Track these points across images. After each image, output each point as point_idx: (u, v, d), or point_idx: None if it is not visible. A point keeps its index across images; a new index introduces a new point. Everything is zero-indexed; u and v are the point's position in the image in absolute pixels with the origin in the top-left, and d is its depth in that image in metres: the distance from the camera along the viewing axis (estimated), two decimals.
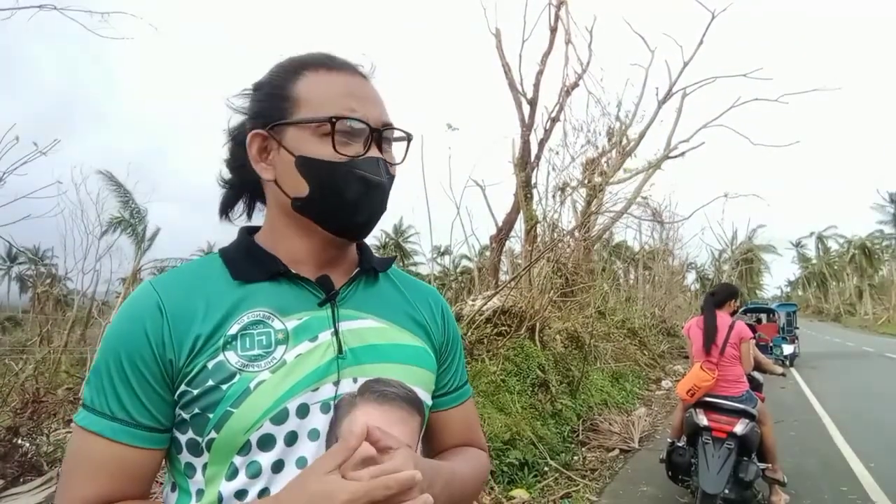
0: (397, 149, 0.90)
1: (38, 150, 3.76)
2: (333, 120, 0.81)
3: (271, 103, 0.85)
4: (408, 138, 0.90)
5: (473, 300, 7.59)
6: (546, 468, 5.13)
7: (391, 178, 0.86)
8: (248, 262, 0.85)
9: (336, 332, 0.83)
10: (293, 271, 0.85)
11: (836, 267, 68.65)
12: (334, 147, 0.81)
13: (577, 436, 6.34)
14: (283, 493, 0.71)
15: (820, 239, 70.37)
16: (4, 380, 4.10)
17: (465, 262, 31.16)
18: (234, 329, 0.79)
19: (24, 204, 3.87)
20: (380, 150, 0.84)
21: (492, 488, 4.44)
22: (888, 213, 56.33)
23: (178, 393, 0.77)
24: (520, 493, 4.55)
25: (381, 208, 0.86)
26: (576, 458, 5.75)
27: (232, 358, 0.77)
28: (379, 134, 0.84)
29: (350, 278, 0.89)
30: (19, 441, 3.40)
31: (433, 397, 0.94)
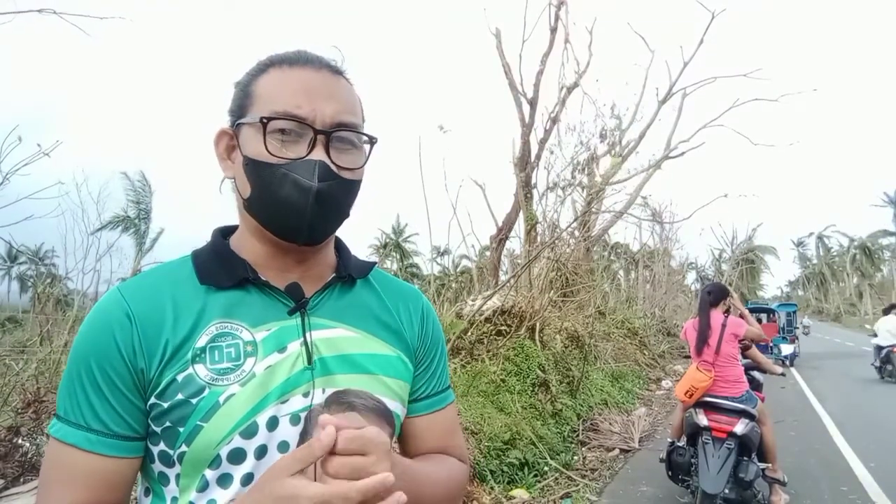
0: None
1: (42, 151, 3.73)
2: (264, 120, 0.77)
3: (238, 101, 0.83)
4: (370, 140, 0.83)
5: (473, 300, 7.59)
6: (546, 468, 5.13)
7: (339, 181, 0.79)
8: (216, 266, 0.82)
9: (305, 343, 0.80)
10: (262, 278, 0.82)
11: (836, 267, 68.62)
12: (266, 148, 0.77)
13: (577, 436, 6.34)
14: (245, 496, 0.70)
15: (820, 239, 70.37)
16: (5, 380, 4.09)
17: (465, 263, 31.21)
18: (202, 341, 0.77)
19: (25, 204, 3.86)
20: (327, 150, 0.78)
21: (492, 488, 4.44)
22: (890, 213, 56.35)
23: (149, 404, 0.76)
24: (520, 492, 4.56)
25: (327, 213, 0.80)
26: (576, 457, 5.74)
27: (201, 371, 0.76)
28: (327, 135, 0.78)
29: (323, 286, 0.86)
30: (20, 441, 3.40)
31: (409, 401, 0.92)
